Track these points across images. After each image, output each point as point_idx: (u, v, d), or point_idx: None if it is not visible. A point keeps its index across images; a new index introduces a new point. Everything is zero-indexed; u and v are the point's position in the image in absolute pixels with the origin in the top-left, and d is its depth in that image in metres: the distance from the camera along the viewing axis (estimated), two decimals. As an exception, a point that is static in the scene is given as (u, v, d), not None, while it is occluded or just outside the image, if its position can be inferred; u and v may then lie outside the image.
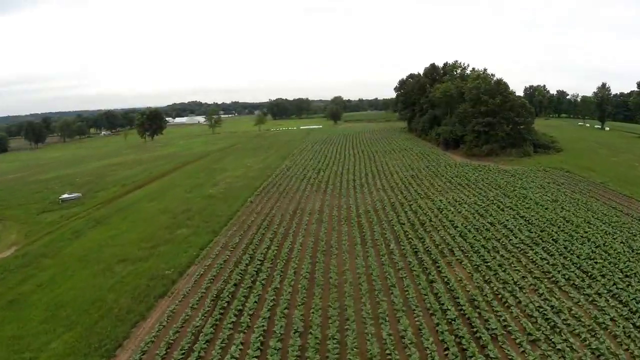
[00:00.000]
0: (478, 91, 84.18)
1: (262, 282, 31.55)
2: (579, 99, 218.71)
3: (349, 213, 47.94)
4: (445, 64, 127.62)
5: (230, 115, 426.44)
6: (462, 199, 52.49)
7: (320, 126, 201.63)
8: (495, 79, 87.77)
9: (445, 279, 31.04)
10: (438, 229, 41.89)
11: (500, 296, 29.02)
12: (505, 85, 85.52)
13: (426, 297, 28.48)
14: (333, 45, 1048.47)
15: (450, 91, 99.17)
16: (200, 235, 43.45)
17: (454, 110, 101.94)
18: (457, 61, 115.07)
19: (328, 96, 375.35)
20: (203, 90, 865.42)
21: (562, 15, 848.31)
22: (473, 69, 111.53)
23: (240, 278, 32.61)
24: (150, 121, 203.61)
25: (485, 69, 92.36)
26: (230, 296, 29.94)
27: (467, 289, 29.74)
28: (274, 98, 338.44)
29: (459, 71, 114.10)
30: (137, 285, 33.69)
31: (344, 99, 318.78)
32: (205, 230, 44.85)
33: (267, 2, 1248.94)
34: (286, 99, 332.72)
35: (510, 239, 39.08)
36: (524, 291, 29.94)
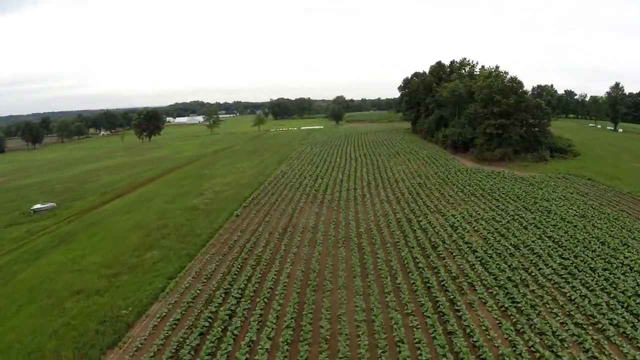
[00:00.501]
0: (490, 90, 77.21)
1: (235, 331, 24.87)
2: (587, 99, 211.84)
3: (347, 232, 41.20)
4: (452, 62, 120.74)
5: (231, 115, 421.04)
6: (478, 214, 45.74)
7: (322, 127, 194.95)
8: (508, 76, 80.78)
9: (468, 330, 24.29)
10: (453, 253, 35.13)
11: (538, 355, 22.34)
12: (520, 84, 78.59)
13: (444, 359, 21.81)
14: (336, 45, 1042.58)
15: (458, 90, 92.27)
16: (171, 260, 36.83)
17: (463, 110, 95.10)
18: (465, 59, 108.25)
19: (330, 96, 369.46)
20: (205, 90, 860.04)
21: (562, 15, 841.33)
22: (482, 66, 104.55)
23: (208, 324, 25.96)
24: (148, 121, 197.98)
25: (497, 66, 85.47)
26: (192, 352, 23.35)
27: (496, 344, 23.04)
28: (276, 98, 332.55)
29: (467, 69, 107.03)
30: (85, 330, 27.14)
31: (346, 98, 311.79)
32: (178, 253, 38.23)
33: (271, 2, 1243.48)
34: (288, 99, 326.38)
35: (541, 269, 32.33)
36: (565, 345, 23.30)
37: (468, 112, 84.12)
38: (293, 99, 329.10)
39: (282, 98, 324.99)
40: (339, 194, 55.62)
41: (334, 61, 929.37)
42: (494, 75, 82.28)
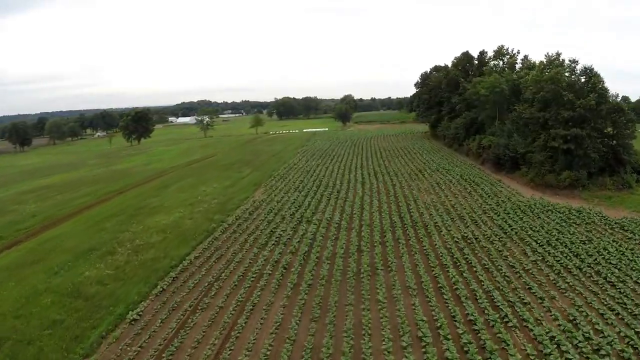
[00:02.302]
0: (557, 87, 52.36)
1: None
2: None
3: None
4: (482, 53, 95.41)
5: (237, 115, 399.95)
6: (597, 329, 21.72)
7: (326, 129, 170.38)
8: (579, 66, 55.61)
9: None
10: None
11: None
12: (597, 77, 53.55)
13: None
14: (347, 43, 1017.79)
15: (500, 86, 67.58)
16: None
17: (504, 113, 70.64)
18: (502, 46, 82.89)
19: (339, 95, 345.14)
20: (214, 89, 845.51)
21: (562, 15, 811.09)
22: (525, 56, 79.58)
23: None
24: (136, 123, 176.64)
25: (558, 53, 60.56)
26: None
27: None
28: (281, 97, 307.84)
29: (506, 60, 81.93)
30: None
31: (355, 97, 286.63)
32: None
33: (281, 1, 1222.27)
34: (293, 98, 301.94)
35: None
36: None
37: (522, 116, 59.41)
38: (300, 98, 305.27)
39: (288, 97, 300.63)
40: (330, 266, 31.30)
41: (344, 60, 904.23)
42: (557, 65, 57.41)
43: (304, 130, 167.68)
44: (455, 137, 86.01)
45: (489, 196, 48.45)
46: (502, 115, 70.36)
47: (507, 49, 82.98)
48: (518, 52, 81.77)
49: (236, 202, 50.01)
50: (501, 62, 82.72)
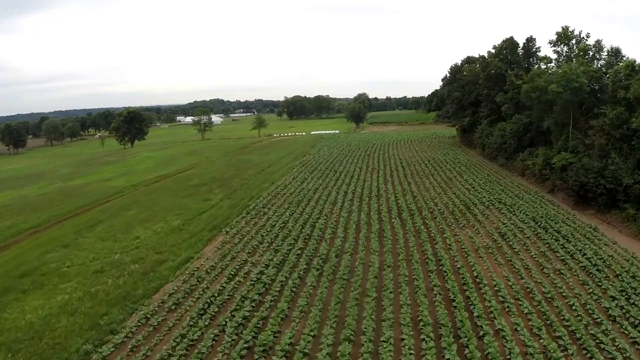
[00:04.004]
0: None
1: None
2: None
3: None
4: (529, 39, 73.72)
5: (249, 114, 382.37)
6: None
7: (336, 131, 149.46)
8: None
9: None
10: None
11: None
12: None
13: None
14: (362, 42, 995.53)
15: (577, 79, 45.92)
16: None
17: (580, 119, 49.13)
18: (567, 28, 60.86)
19: (353, 94, 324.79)
20: (231, 88, 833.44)
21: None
22: (598, 41, 57.44)
23: None
24: (128, 124, 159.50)
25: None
26: None
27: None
28: (293, 96, 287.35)
29: (573, 45, 59.85)
30: None
31: (369, 96, 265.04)
32: None
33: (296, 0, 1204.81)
34: (305, 97, 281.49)
35: None
36: None
37: (615, 125, 38.21)
38: (312, 97, 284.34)
39: (298, 96, 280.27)
40: None
41: (360, 58, 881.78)
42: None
43: (312, 133, 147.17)
44: (501, 147, 64.46)
45: (597, 269, 27.01)
46: (578, 122, 48.80)
47: (573, 32, 60.81)
48: (588, 36, 59.55)
49: (164, 272, 29.34)
50: (566, 48, 60.68)
